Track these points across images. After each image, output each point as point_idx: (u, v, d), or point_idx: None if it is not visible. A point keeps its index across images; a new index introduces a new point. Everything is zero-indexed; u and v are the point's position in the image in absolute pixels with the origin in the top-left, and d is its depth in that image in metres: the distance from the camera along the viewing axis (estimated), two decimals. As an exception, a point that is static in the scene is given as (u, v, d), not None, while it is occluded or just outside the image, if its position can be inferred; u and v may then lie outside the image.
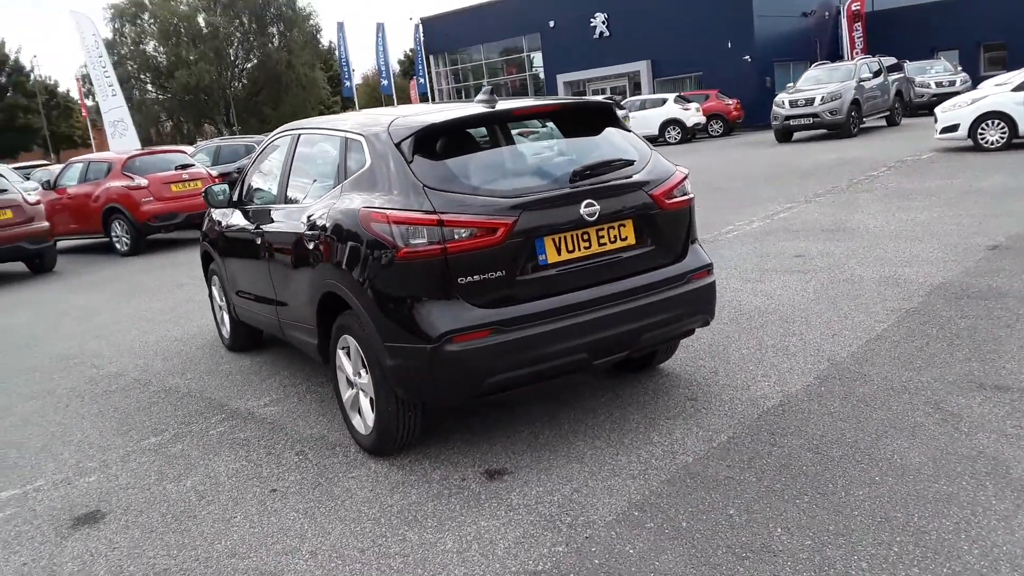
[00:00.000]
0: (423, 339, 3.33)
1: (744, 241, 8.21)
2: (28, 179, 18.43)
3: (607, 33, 34.13)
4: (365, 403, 3.84)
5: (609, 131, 4.05)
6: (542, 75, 37.62)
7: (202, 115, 43.32)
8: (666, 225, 3.84)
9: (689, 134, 26.17)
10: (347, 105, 48.29)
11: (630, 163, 3.83)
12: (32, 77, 53.02)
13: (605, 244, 3.63)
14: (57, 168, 17.33)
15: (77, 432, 4.71)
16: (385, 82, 49.34)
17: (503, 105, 3.91)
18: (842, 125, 18.51)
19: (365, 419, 3.86)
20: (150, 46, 44.54)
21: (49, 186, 13.88)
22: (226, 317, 6.02)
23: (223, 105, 45.68)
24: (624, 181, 3.72)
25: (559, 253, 3.51)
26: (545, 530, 3.04)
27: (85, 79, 41.85)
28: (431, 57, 43.23)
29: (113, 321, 7.80)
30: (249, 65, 47.05)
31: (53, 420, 4.98)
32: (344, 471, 3.75)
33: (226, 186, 5.47)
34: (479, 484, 3.47)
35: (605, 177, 3.69)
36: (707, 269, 4.00)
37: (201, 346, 6.40)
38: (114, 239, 12.78)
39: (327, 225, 3.84)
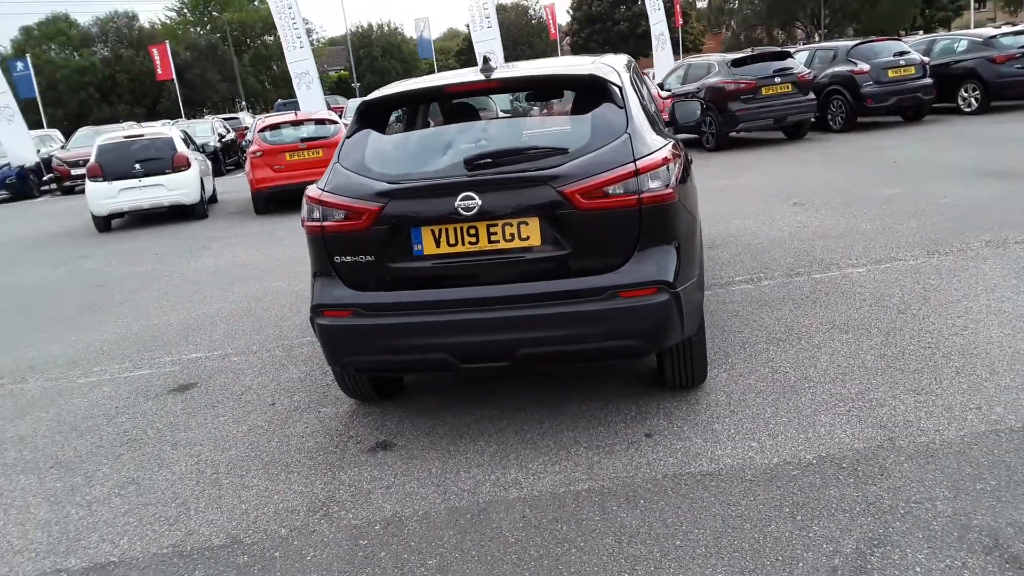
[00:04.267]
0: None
1: None
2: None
3: None
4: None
5: (585, 111, 3.49)
6: None
7: (793, 17, 42.21)
8: (587, 227, 3.24)
9: None
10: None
11: (558, 152, 3.30)
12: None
13: (498, 242, 3.29)
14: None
15: (271, 324, 6.03)
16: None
17: (496, 75, 3.68)
18: None
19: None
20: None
21: None
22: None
23: (811, 7, 43.85)
24: (525, 174, 3.25)
25: (437, 245, 3.33)
26: (303, 513, 3.16)
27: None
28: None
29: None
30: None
31: (283, 312, 6.40)
32: (320, 404, 4.26)
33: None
34: (352, 452, 3.67)
35: (505, 168, 3.29)
36: (654, 287, 3.25)
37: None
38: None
39: None
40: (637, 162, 3.25)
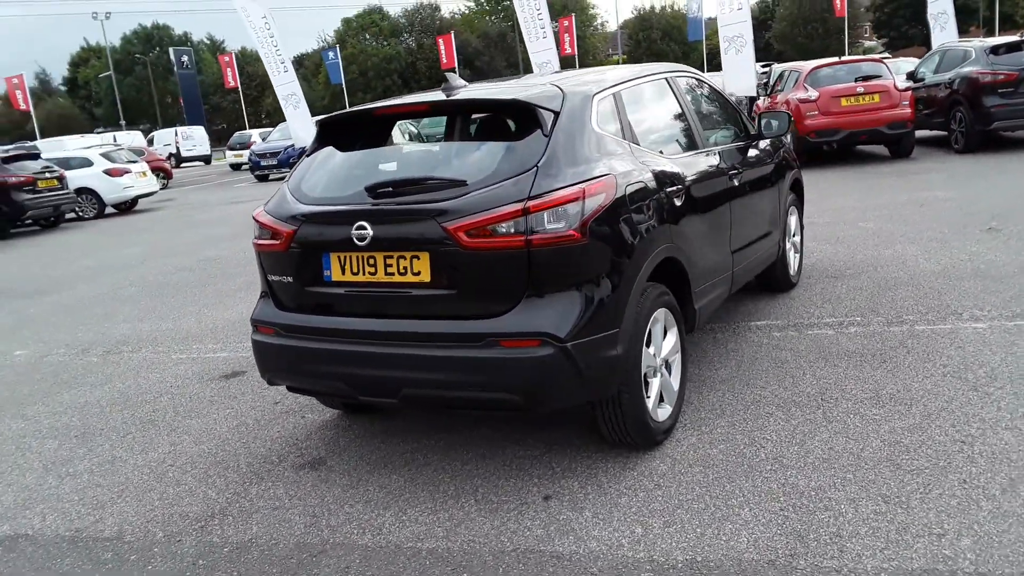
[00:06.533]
0: (253, 320, 3.74)
1: None
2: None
3: None
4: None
5: (510, 138, 3.23)
6: None
7: None
8: (472, 267, 3.00)
9: None
10: None
11: (456, 184, 3.08)
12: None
13: (393, 275, 3.17)
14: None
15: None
16: None
17: (428, 98, 3.54)
18: None
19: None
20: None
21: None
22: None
23: None
24: (412, 207, 3.08)
25: (343, 273, 3.29)
26: (190, 521, 3.30)
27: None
28: None
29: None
30: None
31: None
32: (310, 410, 4.38)
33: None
34: (285, 466, 3.75)
35: (400, 199, 3.15)
36: (537, 338, 2.93)
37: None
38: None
39: None
40: (530, 200, 2.94)
